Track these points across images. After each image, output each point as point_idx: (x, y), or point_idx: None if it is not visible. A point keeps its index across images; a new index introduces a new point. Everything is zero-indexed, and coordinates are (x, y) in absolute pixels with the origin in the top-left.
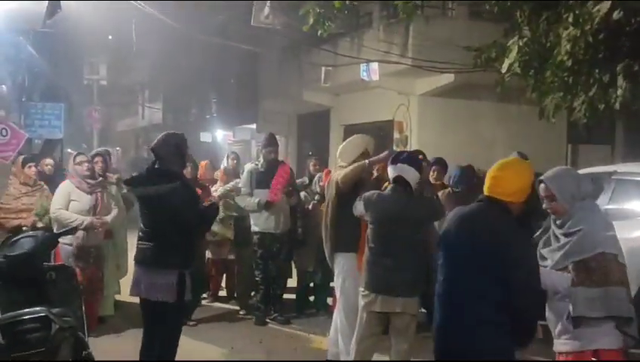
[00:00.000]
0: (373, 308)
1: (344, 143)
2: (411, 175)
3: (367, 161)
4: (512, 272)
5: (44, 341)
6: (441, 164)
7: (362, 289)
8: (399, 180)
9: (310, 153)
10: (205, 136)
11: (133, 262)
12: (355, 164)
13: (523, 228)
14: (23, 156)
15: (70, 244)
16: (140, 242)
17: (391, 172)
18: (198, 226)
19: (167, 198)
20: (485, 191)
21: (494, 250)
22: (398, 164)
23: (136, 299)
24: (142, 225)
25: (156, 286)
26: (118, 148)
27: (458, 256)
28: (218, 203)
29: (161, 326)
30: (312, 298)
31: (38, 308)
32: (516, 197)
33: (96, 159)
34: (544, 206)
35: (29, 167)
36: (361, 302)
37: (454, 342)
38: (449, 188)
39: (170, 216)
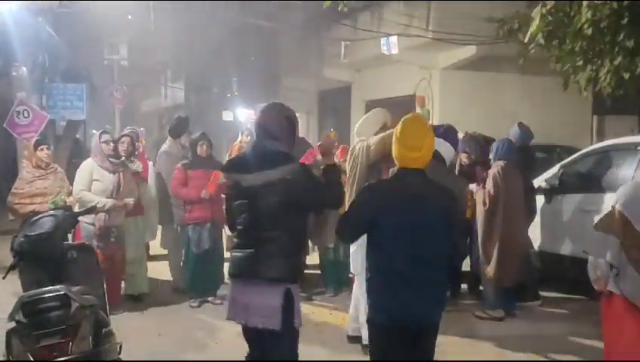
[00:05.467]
0: None
1: (362, 119)
2: (446, 150)
3: None
4: (456, 232)
5: (64, 319)
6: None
7: None
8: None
9: (332, 130)
10: (227, 115)
11: (229, 276)
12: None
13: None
14: (35, 138)
15: (92, 224)
16: (235, 250)
17: None
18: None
19: (288, 185)
20: (411, 164)
21: (449, 217)
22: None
23: (169, 277)
24: (239, 227)
25: (256, 308)
26: (142, 129)
27: (413, 229)
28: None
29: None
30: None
31: (57, 287)
32: None
33: (123, 140)
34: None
35: (41, 149)
36: None
37: (418, 311)
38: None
39: (286, 208)
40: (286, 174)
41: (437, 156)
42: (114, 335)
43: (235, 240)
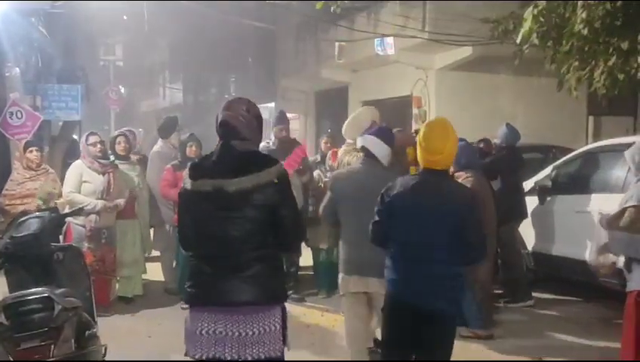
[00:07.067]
0: (349, 289)
1: (349, 118)
2: (378, 148)
3: None
4: (473, 231)
5: (47, 321)
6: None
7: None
8: (366, 152)
9: (329, 130)
10: None
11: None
12: None
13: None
14: (25, 140)
15: (83, 225)
16: (205, 272)
17: (358, 142)
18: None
19: (276, 190)
20: (432, 166)
21: (459, 214)
22: (365, 136)
23: (161, 277)
24: (201, 244)
25: (254, 338)
26: (140, 130)
27: (424, 224)
28: None
29: None
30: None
31: (40, 289)
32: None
33: (119, 139)
34: None
35: (30, 151)
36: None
37: (419, 292)
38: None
39: (273, 213)
40: (274, 177)
41: (369, 153)
42: (98, 338)
43: (197, 260)
